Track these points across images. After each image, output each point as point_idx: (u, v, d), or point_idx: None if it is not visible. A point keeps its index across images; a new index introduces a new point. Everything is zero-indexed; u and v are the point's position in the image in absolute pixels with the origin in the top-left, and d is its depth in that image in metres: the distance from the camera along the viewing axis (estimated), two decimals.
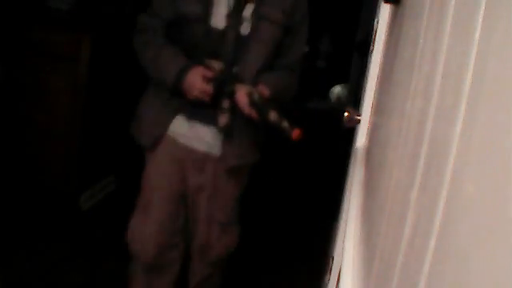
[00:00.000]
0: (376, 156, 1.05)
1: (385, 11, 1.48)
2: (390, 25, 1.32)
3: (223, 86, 1.76)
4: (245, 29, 1.83)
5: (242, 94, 1.74)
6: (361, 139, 1.58)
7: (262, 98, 1.73)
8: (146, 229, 2.00)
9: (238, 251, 2.25)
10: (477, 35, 0.36)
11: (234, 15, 1.80)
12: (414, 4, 0.81)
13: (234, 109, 1.78)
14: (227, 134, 1.85)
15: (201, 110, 1.85)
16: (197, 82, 1.75)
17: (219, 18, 1.80)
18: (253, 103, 1.71)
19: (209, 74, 1.76)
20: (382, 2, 1.42)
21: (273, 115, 1.67)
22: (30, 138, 3.18)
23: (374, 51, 1.53)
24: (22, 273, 2.55)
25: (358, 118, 1.62)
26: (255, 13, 1.82)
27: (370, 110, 1.53)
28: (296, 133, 1.64)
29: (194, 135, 1.90)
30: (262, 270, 2.95)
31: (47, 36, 3.09)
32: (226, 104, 1.78)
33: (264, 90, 1.77)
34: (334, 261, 1.40)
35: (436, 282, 0.37)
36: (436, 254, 0.38)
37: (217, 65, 1.77)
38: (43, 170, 3.19)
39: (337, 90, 5.59)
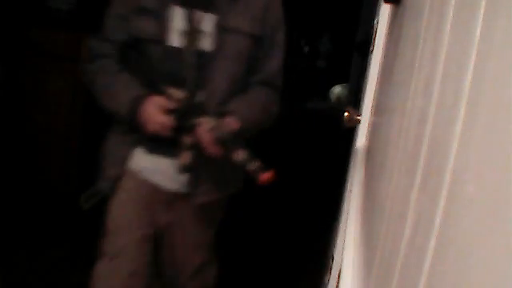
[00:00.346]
0: (376, 156, 1.05)
1: (385, 11, 1.48)
2: (390, 25, 1.32)
3: (185, 119, 1.52)
4: (207, 44, 1.58)
5: (204, 130, 1.48)
6: (361, 139, 1.58)
7: (228, 134, 1.48)
8: (114, 281, 1.71)
9: (238, 251, 2.25)
10: (477, 35, 0.36)
11: (192, 30, 1.56)
12: (413, 4, 0.81)
13: (198, 145, 1.54)
14: (191, 173, 1.63)
15: (163, 142, 1.61)
16: (154, 114, 1.50)
17: (177, 36, 1.57)
18: (217, 140, 1.48)
19: (168, 104, 1.51)
20: (382, 2, 1.43)
21: (240, 155, 1.44)
22: (30, 138, 3.18)
23: (374, 51, 1.53)
24: (22, 273, 2.55)
25: (358, 117, 1.62)
26: (218, 25, 1.57)
27: (370, 110, 1.53)
28: (265, 176, 1.42)
29: (157, 170, 1.66)
30: (261, 270, 2.95)
31: (47, 36, 3.10)
32: (187, 140, 1.54)
33: (232, 123, 1.52)
34: (334, 261, 1.40)
35: (436, 281, 0.37)
36: (436, 253, 0.38)
37: (177, 93, 1.53)
38: (43, 170, 3.18)
39: (337, 90, 5.60)
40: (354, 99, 4.35)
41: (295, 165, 4.59)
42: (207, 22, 1.57)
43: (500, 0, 0.33)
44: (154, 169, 1.66)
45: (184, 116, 1.51)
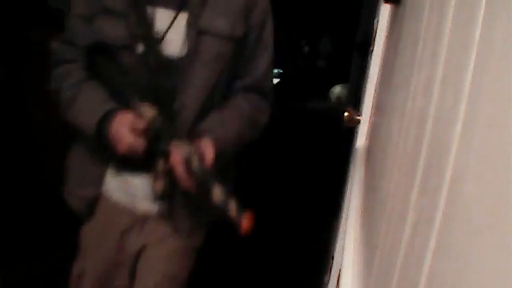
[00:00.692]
0: (376, 156, 1.05)
1: (385, 11, 1.48)
2: (390, 25, 1.32)
3: (157, 140, 1.33)
4: (182, 49, 1.37)
5: (177, 159, 1.28)
6: (361, 139, 1.58)
7: (202, 169, 1.26)
8: None
9: (238, 251, 2.25)
10: (477, 35, 0.36)
11: (164, 33, 1.37)
12: (413, 4, 0.81)
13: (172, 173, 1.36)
14: (166, 200, 1.45)
15: (136, 162, 1.41)
16: (123, 134, 1.31)
17: (146, 40, 1.38)
18: (190, 173, 1.27)
19: (139, 123, 1.31)
20: (382, 2, 1.43)
21: (216, 193, 1.23)
22: (30, 138, 3.18)
23: (374, 51, 1.53)
24: (22, 273, 2.55)
25: (358, 117, 1.62)
26: (192, 26, 1.36)
27: (370, 109, 1.53)
28: (246, 223, 1.23)
29: (129, 192, 1.49)
30: (262, 270, 2.95)
31: (47, 36, 3.10)
32: (160, 166, 1.35)
33: (207, 150, 1.30)
34: (334, 261, 1.40)
35: (436, 281, 0.37)
36: (436, 254, 0.38)
37: (148, 110, 1.32)
38: (43, 170, 3.19)
39: (337, 90, 5.60)
40: (354, 99, 4.35)
41: (295, 165, 4.59)
42: (180, 24, 1.38)
43: (500, 0, 0.33)
44: (126, 190, 1.49)
45: (156, 137, 1.32)
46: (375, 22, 1.70)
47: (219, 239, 1.97)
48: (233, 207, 1.23)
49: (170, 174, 1.33)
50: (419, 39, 0.64)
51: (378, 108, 1.27)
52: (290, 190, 4.04)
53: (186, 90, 1.38)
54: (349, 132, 1.97)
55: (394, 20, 1.17)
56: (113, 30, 1.37)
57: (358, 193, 1.18)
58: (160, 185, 1.38)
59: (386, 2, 1.33)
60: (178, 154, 1.28)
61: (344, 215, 1.49)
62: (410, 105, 0.63)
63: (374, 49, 1.54)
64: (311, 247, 3.16)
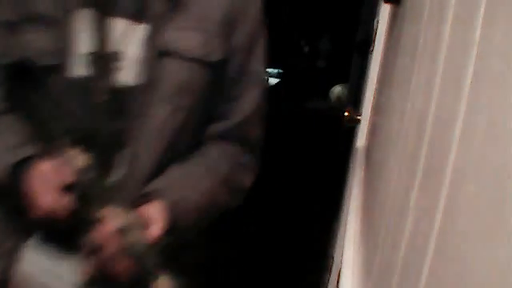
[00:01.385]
0: (376, 156, 1.05)
1: (385, 11, 1.48)
2: (390, 25, 1.32)
3: (87, 203, 0.95)
4: (133, 75, 0.98)
5: (106, 230, 0.90)
6: (361, 139, 1.58)
7: (144, 244, 0.90)
8: None
9: (238, 251, 2.25)
10: (477, 35, 0.36)
11: (109, 51, 0.98)
12: (413, 4, 0.81)
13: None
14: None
15: (61, 233, 1.02)
16: (40, 191, 0.94)
17: (85, 59, 0.99)
18: (125, 251, 0.91)
19: (63, 176, 0.94)
20: (382, 2, 1.43)
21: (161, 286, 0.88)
22: None
23: (374, 51, 1.54)
24: None
25: (358, 117, 1.62)
26: (151, 43, 0.98)
27: (370, 110, 1.53)
28: None
29: (52, 272, 1.07)
30: (262, 270, 2.95)
31: None
32: (89, 239, 0.93)
33: (154, 221, 0.93)
34: (334, 261, 1.40)
35: (436, 281, 0.37)
36: (436, 253, 0.38)
37: (79, 158, 0.95)
38: None
39: (337, 90, 5.60)
40: (354, 99, 4.35)
41: (295, 165, 4.59)
42: (134, 39, 0.98)
43: (500, 0, 0.33)
44: (49, 271, 1.07)
45: (87, 197, 0.94)
46: (375, 22, 1.70)
47: (219, 239, 1.97)
48: None
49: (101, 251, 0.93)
50: (419, 39, 0.64)
51: (378, 108, 1.27)
52: (290, 189, 4.04)
53: (140, 132, 0.99)
54: (349, 132, 1.97)
55: (394, 20, 1.17)
56: (38, 44, 0.99)
57: (358, 193, 1.18)
58: (89, 266, 0.96)
59: (385, 2, 1.33)
60: (111, 223, 0.90)
61: (344, 215, 1.49)
62: (410, 105, 0.63)
63: (374, 49, 1.54)
64: (311, 247, 3.16)
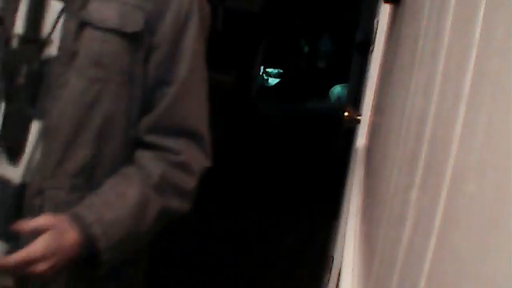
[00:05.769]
0: (376, 156, 1.05)
1: (385, 11, 1.48)
2: (390, 25, 1.32)
3: None
4: (56, 47, 0.92)
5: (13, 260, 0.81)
6: (361, 139, 1.58)
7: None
8: None
9: (238, 251, 2.25)
10: (477, 35, 0.36)
11: (31, 19, 0.92)
12: (413, 4, 0.81)
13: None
14: None
15: None
16: None
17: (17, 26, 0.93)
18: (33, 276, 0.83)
19: None
20: (382, 2, 1.43)
21: None
22: None
23: (374, 51, 1.54)
24: None
25: (358, 117, 1.62)
26: (72, 14, 0.92)
27: (369, 109, 1.53)
28: None
29: None
30: (262, 270, 2.95)
31: None
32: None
33: (32, 242, 0.83)
34: (334, 261, 1.40)
35: (436, 281, 0.37)
36: (436, 254, 0.38)
37: None
38: None
39: (337, 90, 5.61)
40: (354, 99, 4.36)
41: (295, 164, 4.59)
42: (56, 10, 0.93)
43: (500, 0, 0.33)
44: None
45: None
46: (375, 21, 1.70)
47: (219, 239, 1.97)
48: None
49: None
50: (419, 39, 0.64)
51: (378, 108, 1.27)
52: (290, 189, 4.05)
53: (55, 105, 0.91)
54: (349, 132, 1.97)
55: (394, 20, 1.17)
56: None
57: (358, 193, 1.18)
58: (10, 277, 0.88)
59: (385, 2, 1.33)
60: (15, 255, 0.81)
61: (344, 215, 1.49)
62: (410, 105, 0.63)
63: (374, 49, 1.54)
64: (311, 247, 3.16)
